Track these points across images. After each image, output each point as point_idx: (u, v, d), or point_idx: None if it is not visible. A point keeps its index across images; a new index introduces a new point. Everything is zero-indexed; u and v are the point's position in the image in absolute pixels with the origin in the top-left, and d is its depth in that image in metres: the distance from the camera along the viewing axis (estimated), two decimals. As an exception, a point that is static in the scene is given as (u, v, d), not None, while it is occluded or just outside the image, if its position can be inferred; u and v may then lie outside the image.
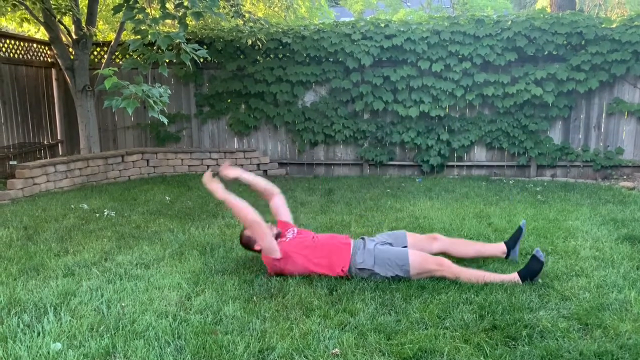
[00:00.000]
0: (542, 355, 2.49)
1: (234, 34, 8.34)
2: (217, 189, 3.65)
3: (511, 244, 3.88)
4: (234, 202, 3.58)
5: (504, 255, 3.86)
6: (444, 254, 3.70)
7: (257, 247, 3.66)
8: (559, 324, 2.81)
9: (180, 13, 5.16)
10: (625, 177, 7.91)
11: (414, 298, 3.18)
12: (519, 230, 3.90)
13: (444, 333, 2.73)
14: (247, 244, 3.73)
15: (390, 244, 3.68)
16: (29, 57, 8.55)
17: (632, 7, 13.93)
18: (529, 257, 3.80)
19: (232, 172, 3.90)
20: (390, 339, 2.68)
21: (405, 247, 3.68)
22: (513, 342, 2.65)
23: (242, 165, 8.64)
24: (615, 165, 8.03)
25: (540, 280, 3.42)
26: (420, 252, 3.57)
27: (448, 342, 2.63)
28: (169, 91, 4.87)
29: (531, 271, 3.42)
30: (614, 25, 7.68)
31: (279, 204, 4.06)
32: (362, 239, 3.73)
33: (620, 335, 2.69)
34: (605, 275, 3.55)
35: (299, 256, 3.55)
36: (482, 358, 2.49)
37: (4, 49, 7.99)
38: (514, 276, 3.42)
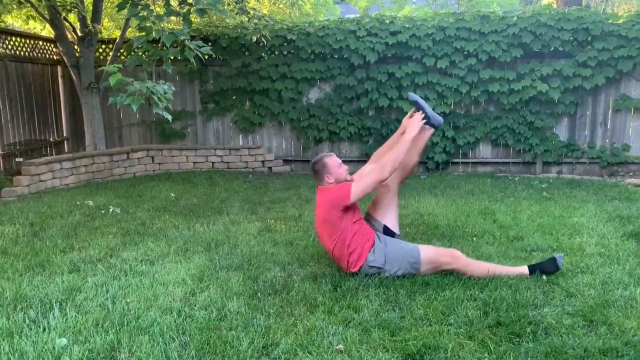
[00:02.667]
0: (547, 352, 2.48)
1: (239, 30, 8.34)
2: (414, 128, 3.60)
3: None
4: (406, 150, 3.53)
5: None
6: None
7: (328, 179, 3.58)
8: (563, 321, 2.80)
9: (185, 10, 5.17)
10: (631, 174, 7.86)
11: (418, 294, 3.18)
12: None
13: (448, 329, 2.73)
14: (321, 168, 3.62)
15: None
16: (35, 54, 8.59)
17: (638, 3, 13.82)
18: (535, 255, 3.81)
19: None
20: (394, 335, 2.68)
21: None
22: (517, 339, 2.64)
23: (246, 162, 8.66)
24: (622, 162, 7.98)
25: (545, 277, 3.41)
26: (431, 246, 3.55)
27: (452, 339, 2.62)
28: (173, 88, 4.89)
29: (542, 270, 3.44)
30: (620, 21, 7.62)
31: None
32: (382, 236, 3.63)
33: (625, 332, 2.68)
34: (611, 272, 3.53)
35: (350, 229, 3.46)
36: (486, 354, 2.48)
37: (10, 47, 8.02)
38: (524, 269, 3.46)
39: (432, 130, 3.88)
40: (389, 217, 3.78)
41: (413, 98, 3.83)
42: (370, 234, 3.55)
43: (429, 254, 3.45)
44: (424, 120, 3.72)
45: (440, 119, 3.84)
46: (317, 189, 3.70)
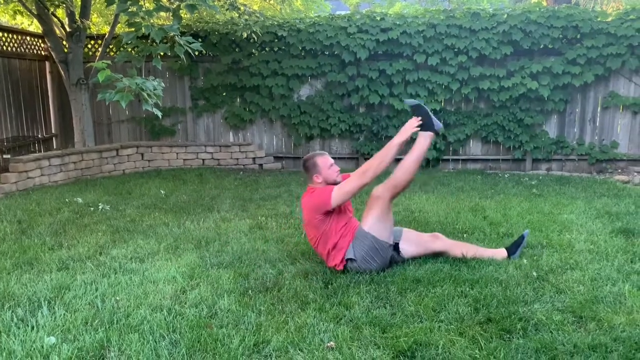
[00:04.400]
0: (537, 348, 2.50)
1: (229, 26, 8.30)
2: (404, 134, 3.57)
3: (513, 250, 3.79)
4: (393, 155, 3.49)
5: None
6: (444, 254, 3.74)
7: (317, 179, 3.56)
8: (553, 317, 2.81)
9: (175, 5, 5.13)
10: (620, 170, 7.93)
11: (409, 291, 3.18)
12: (521, 237, 3.85)
13: (439, 326, 2.73)
14: (312, 166, 3.60)
15: None
16: (22, 50, 8.49)
17: (627, 1, 13.92)
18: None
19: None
20: (385, 332, 2.68)
21: (397, 243, 3.66)
22: (508, 335, 2.66)
23: (237, 159, 8.63)
24: (610, 159, 8.05)
25: (535, 274, 3.43)
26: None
27: (443, 335, 2.63)
28: (163, 84, 4.84)
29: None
30: (609, 19, 7.68)
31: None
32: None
33: (614, 327, 2.70)
34: (600, 268, 3.56)
35: (334, 227, 3.48)
36: (476, 351, 2.49)
37: (-4, 42, 7.93)
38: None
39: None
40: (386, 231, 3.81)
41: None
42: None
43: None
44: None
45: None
46: (307, 186, 3.70)
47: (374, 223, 3.47)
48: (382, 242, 3.46)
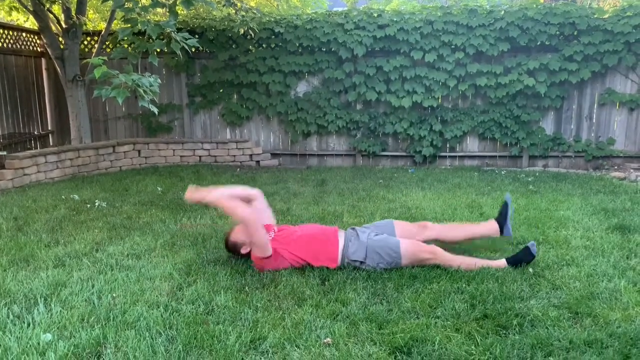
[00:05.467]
0: (533, 344, 2.50)
1: (226, 23, 8.27)
2: (204, 196, 3.55)
3: (502, 219, 3.80)
4: (226, 202, 3.51)
5: (498, 234, 3.81)
6: (436, 241, 3.70)
7: (244, 251, 3.59)
8: (549, 313, 2.82)
9: (171, 1, 5.12)
10: (616, 167, 7.95)
11: (406, 288, 3.19)
12: (505, 204, 3.82)
13: (435, 322, 2.74)
14: (233, 248, 3.66)
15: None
16: (18, 46, 8.45)
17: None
18: (520, 247, 3.83)
19: (197, 195, 3.60)
20: (382, 329, 2.69)
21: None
22: (504, 331, 2.66)
23: (234, 156, 8.62)
24: (607, 156, 8.07)
25: (531, 270, 3.44)
26: (413, 240, 3.57)
27: (439, 331, 2.64)
28: (159, 81, 4.83)
29: (519, 261, 3.51)
30: (606, 16, 7.68)
31: (260, 207, 3.88)
32: (353, 229, 3.69)
33: (610, 323, 2.71)
34: (596, 264, 3.57)
35: (288, 253, 3.50)
36: (473, 347, 2.50)
37: (-8, 38, 7.89)
38: (502, 262, 3.52)
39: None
40: (265, 219, 3.86)
41: (509, 200, 3.86)
42: (289, 229, 3.64)
43: (409, 249, 3.48)
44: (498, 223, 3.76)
45: (510, 231, 3.82)
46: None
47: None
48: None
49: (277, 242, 3.54)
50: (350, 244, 3.52)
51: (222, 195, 3.55)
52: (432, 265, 3.48)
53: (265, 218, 3.83)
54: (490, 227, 3.81)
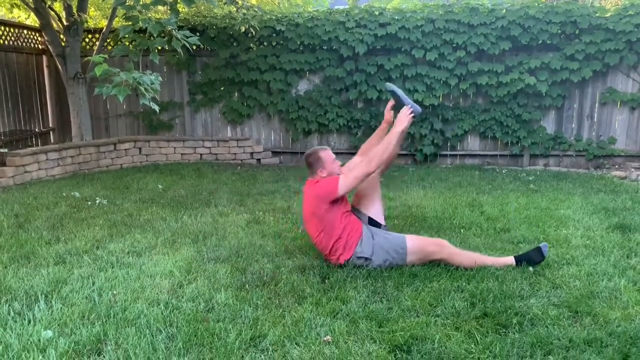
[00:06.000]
0: (532, 343, 2.51)
1: (227, 21, 8.27)
2: (404, 122, 3.53)
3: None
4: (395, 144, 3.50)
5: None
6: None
7: (321, 174, 3.57)
8: (549, 312, 2.82)
9: (172, -1, 5.11)
10: (617, 166, 7.94)
11: (406, 286, 3.19)
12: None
13: (435, 321, 2.74)
14: (316, 160, 3.63)
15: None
16: (20, 43, 8.45)
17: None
18: (522, 246, 3.84)
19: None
20: (382, 327, 2.69)
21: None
22: (504, 330, 2.67)
23: (235, 154, 8.62)
24: (608, 155, 8.06)
25: (531, 269, 3.44)
26: (418, 236, 3.56)
27: (439, 330, 2.64)
28: (160, 78, 4.83)
29: (529, 260, 3.49)
30: (608, 15, 7.66)
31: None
32: (369, 227, 3.64)
33: (610, 322, 2.71)
34: (596, 263, 3.57)
35: (341, 226, 3.47)
36: (472, 345, 2.50)
37: (-7, 35, 7.89)
38: (510, 259, 3.50)
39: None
40: (373, 208, 3.79)
41: (389, 88, 3.81)
42: (358, 226, 3.55)
43: (416, 243, 3.47)
44: (412, 114, 3.60)
45: (419, 108, 3.69)
46: (307, 180, 3.69)
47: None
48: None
49: (347, 215, 3.53)
50: (363, 241, 3.50)
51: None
52: (438, 260, 3.47)
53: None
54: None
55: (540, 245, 3.53)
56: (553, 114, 8.21)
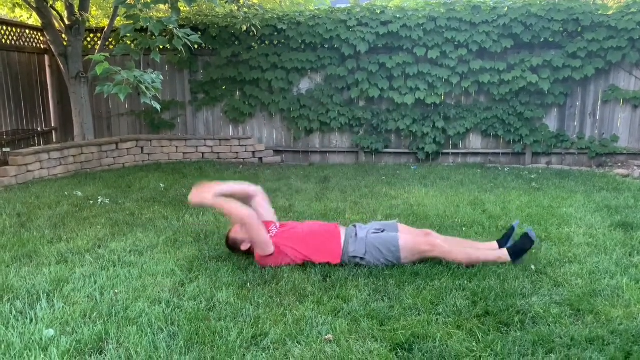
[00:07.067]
0: (534, 341, 2.50)
1: (229, 20, 8.26)
2: (204, 198, 3.53)
3: (503, 242, 3.68)
4: (225, 205, 3.51)
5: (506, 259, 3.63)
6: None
7: (243, 248, 3.60)
8: (551, 310, 2.82)
9: (173, -2, 5.10)
10: (619, 164, 7.92)
11: (407, 284, 3.19)
12: (511, 229, 3.72)
13: (437, 319, 2.74)
14: (233, 245, 3.67)
15: (382, 231, 3.67)
16: (22, 43, 8.46)
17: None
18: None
19: (196, 200, 3.58)
20: (383, 325, 2.69)
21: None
22: (505, 328, 2.66)
23: (237, 152, 8.63)
24: (610, 153, 8.04)
25: (533, 267, 3.43)
26: (411, 235, 3.57)
27: (441, 328, 2.64)
28: (162, 77, 4.83)
29: (520, 249, 3.49)
30: (610, 12, 7.64)
31: (261, 204, 3.88)
32: (354, 226, 3.70)
33: (612, 320, 2.71)
34: (598, 261, 3.57)
35: (290, 249, 3.50)
36: (474, 344, 2.50)
37: (-5, 35, 7.90)
38: (503, 252, 3.51)
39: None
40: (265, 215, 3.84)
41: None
42: (292, 225, 3.66)
43: (409, 242, 3.48)
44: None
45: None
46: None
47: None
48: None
49: (279, 238, 3.54)
50: (350, 240, 3.53)
51: (220, 195, 3.54)
52: (433, 258, 3.48)
53: (266, 215, 3.83)
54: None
55: (526, 230, 3.51)
56: (555, 112, 8.19)
